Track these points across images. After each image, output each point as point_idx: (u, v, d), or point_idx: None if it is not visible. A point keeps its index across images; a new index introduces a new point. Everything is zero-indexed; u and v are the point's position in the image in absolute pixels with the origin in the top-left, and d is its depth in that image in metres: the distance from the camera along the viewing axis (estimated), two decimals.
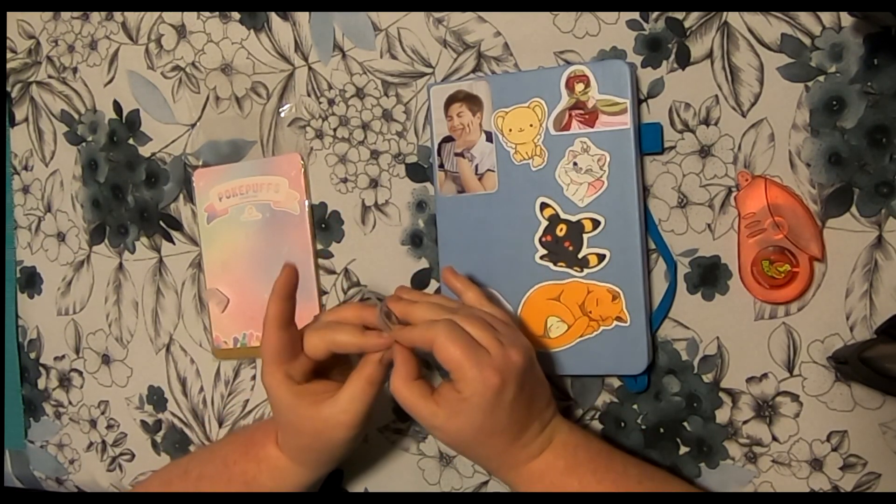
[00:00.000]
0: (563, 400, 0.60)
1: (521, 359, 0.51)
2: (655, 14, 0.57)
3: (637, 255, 0.56)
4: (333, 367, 0.58)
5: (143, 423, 0.75)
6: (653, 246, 0.58)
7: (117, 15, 0.75)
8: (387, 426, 0.66)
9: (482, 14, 0.62)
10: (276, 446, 0.59)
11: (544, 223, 0.58)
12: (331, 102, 0.67)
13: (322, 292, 0.68)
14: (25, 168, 0.80)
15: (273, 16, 0.69)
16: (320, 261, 0.68)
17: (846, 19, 0.53)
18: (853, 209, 0.53)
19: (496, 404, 0.50)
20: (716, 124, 0.56)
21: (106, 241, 0.76)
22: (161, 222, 0.74)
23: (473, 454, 0.53)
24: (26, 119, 0.80)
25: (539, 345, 0.58)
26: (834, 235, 0.54)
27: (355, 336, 0.54)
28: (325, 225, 0.68)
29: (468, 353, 0.49)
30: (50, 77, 0.78)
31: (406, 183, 0.65)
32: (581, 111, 0.56)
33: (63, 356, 0.79)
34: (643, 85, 0.58)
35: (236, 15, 0.70)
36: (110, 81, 0.75)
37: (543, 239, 0.58)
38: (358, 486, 0.67)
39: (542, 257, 0.58)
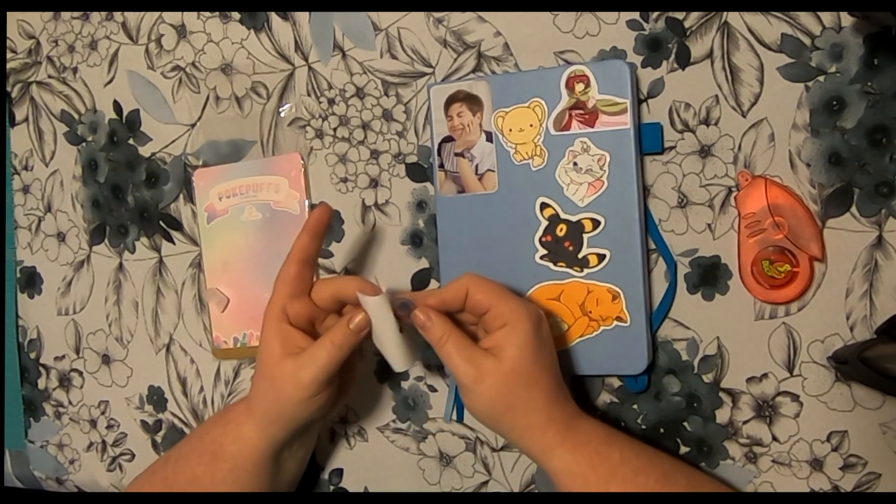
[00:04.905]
0: None
1: (542, 309, 0.54)
2: (655, 14, 0.57)
3: (637, 255, 0.56)
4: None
5: (143, 423, 0.75)
6: (653, 246, 0.58)
7: (117, 15, 0.75)
8: (387, 426, 0.66)
9: (482, 14, 0.62)
10: (244, 404, 0.58)
11: (544, 223, 0.58)
12: (331, 102, 0.67)
13: None
14: (25, 168, 0.80)
15: (273, 16, 0.69)
16: (320, 261, 0.68)
17: (846, 19, 0.53)
18: (853, 209, 0.53)
19: (540, 335, 0.51)
20: (716, 124, 0.56)
21: (106, 241, 0.76)
22: (161, 222, 0.74)
23: (522, 405, 0.51)
24: (26, 119, 0.80)
25: None
26: (834, 235, 0.54)
27: (361, 283, 0.54)
28: None
29: (503, 291, 0.52)
30: (50, 77, 0.78)
31: (406, 183, 0.65)
32: (581, 111, 0.56)
33: (63, 356, 0.79)
34: (643, 85, 0.58)
35: (236, 15, 0.70)
36: (110, 81, 0.75)
37: (543, 239, 0.58)
38: (358, 486, 0.67)
39: (542, 257, 0.58)
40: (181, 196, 0.73)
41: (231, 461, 0.58)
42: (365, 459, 0.67)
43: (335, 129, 0.67)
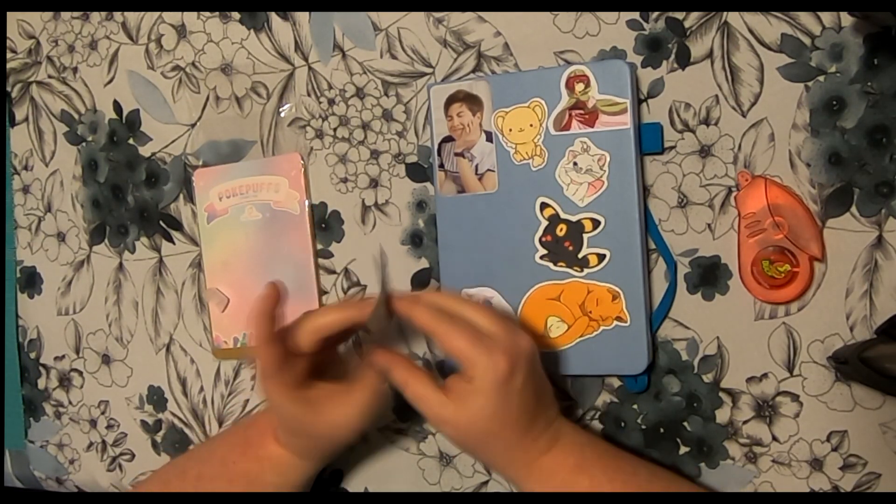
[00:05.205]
0: (564, 400, 0.60)
1: (529, 345, 0.51)
2: (655, 14, 0.57)
3: (637, 255, 0.56)
4: (329, 368, 0.58)
5: (143, 423, 0.75)
6: (653, 246, 0.58)
7: (117, 15, 0.75)
8: (387, 426, 0.66)
9: (482, 14, 0.62)
10: (276, 444, 0.58)
11: (544, 223, 0.58)
12: (331, 102, 0.67)
13: (322, 292, 0.68)
14: (25, 168, 0.80)
15: (273, 16, 0.69)
16: (320, 261, 0.68)
17: (846, 19, 0.53)
18: (853, 209, 0.53)
19: (507, 390, 0.49)
20: (716, 124, 0.56)
21: (106, 241, 0.76)
22: (161, 222, 0.74)
23: (483, 450, 0.52)
24: (26, 119, 0.80)
25: (539, 344, 0.57)
26: (834, 235, 0.54)
27: (337, 312, 0.54)
28: (325, 225, 0.68)
29: (474, 340, 0.50)
30: (50, 77, 0.78)
31: (406, 183, 0.65)
32: (581, 111, 0.56)
33: (63, 356, 0.79)
34: (643, 85, 0.58)
35: (236, 15, 0.70)
36: (110, 81, 0.75)
37: (543, 239, 0.58)
38: (358, 486, 0.67)
39: (542, 257, 0.58)
40: (181, 196, 0.73)
41: (272, 488, 0.59)
42: (365, 460, 0.67)
43: (335, 129, 0.67)
